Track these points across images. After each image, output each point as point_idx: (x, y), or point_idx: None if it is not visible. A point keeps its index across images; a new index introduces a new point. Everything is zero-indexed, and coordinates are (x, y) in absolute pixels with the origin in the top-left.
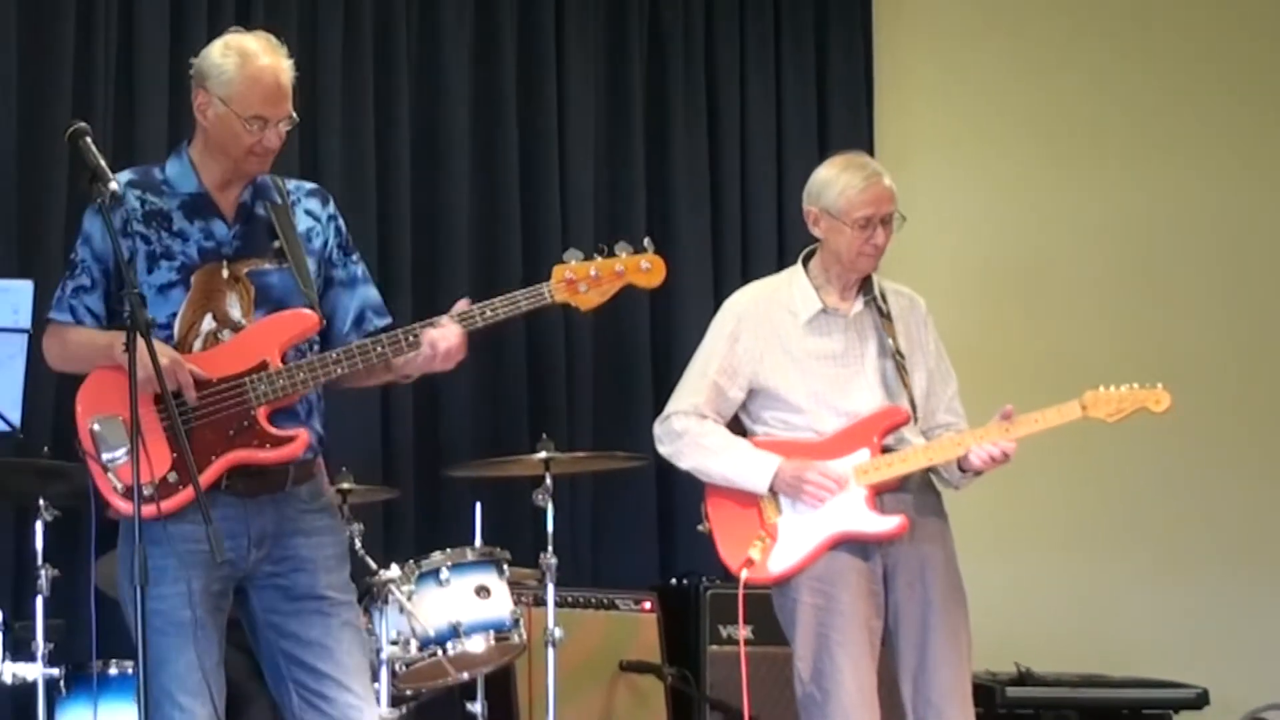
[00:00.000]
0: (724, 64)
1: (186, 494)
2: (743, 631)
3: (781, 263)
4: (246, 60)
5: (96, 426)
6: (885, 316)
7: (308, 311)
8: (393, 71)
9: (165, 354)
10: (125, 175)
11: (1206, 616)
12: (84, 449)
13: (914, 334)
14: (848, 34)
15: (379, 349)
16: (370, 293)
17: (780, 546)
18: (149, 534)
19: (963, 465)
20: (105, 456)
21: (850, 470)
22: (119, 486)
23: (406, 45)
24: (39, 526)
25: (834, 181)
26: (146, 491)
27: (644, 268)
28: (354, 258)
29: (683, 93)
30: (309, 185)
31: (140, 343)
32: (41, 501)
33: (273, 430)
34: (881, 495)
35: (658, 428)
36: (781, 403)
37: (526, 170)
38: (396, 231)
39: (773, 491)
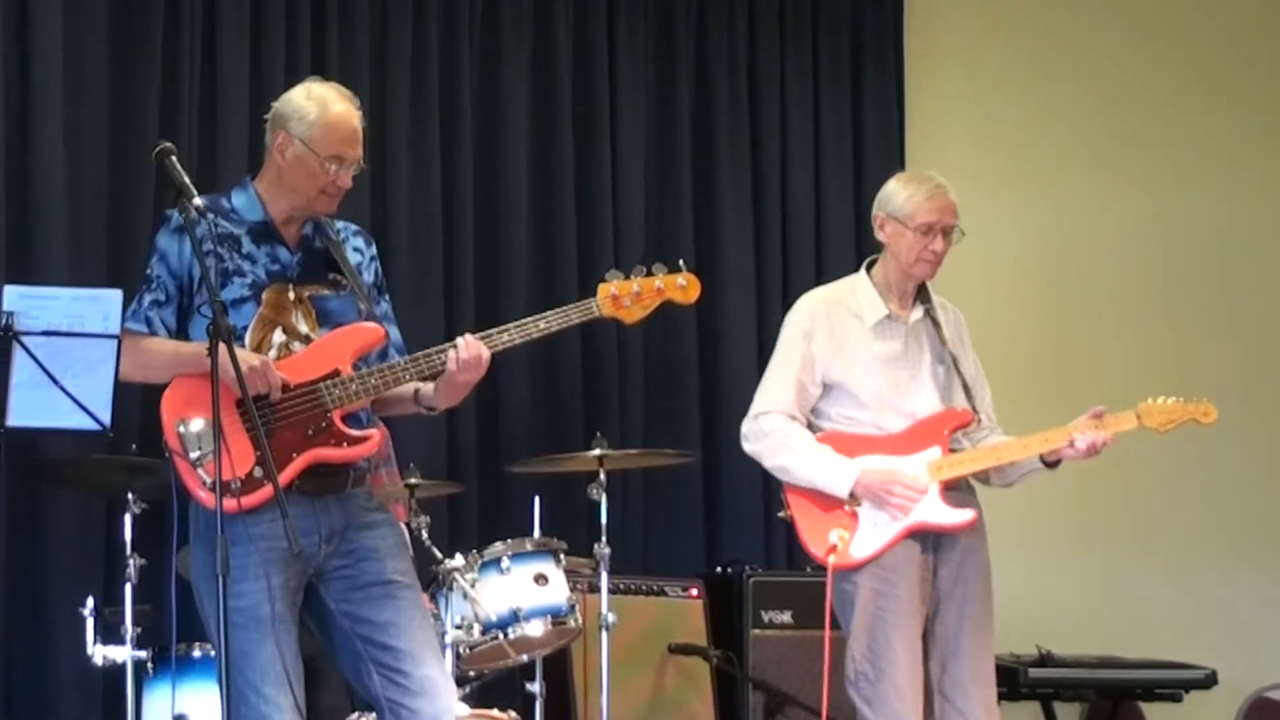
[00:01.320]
0: (766, 95)
1: (268, 490)
2: (829, 618)
3: (819, 278)
4: (327, 106)
5: (183, 428)
6: (936, 324)
7: (374, 325)
8: (456, 99)
9: (255, 357)
10: (198, 201)
11: (1215, 602)
12: (171, 448)
13: (957, 342)
14: (880, 66)
15: (440, 357)
16: (395, 331)
17: (861, 534)
18: (231, 535)
19: (1050, 459)
20: (193, 455)
21: (924, 466)
22: (207, 481)
23: (470, 74)
24: (127, 519)
25: (902, 189)
26: (234, 486)
27: (681, 285)
28: (386, 297)
29: (727, 121)
30: (354, 226)
31: (226, 349)
32: (130, 495)
33: (349, 430)
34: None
35: (746, 426)
36: (850, 399)
37: (581, 193)
38: (460, 250)
39: (851, 496)
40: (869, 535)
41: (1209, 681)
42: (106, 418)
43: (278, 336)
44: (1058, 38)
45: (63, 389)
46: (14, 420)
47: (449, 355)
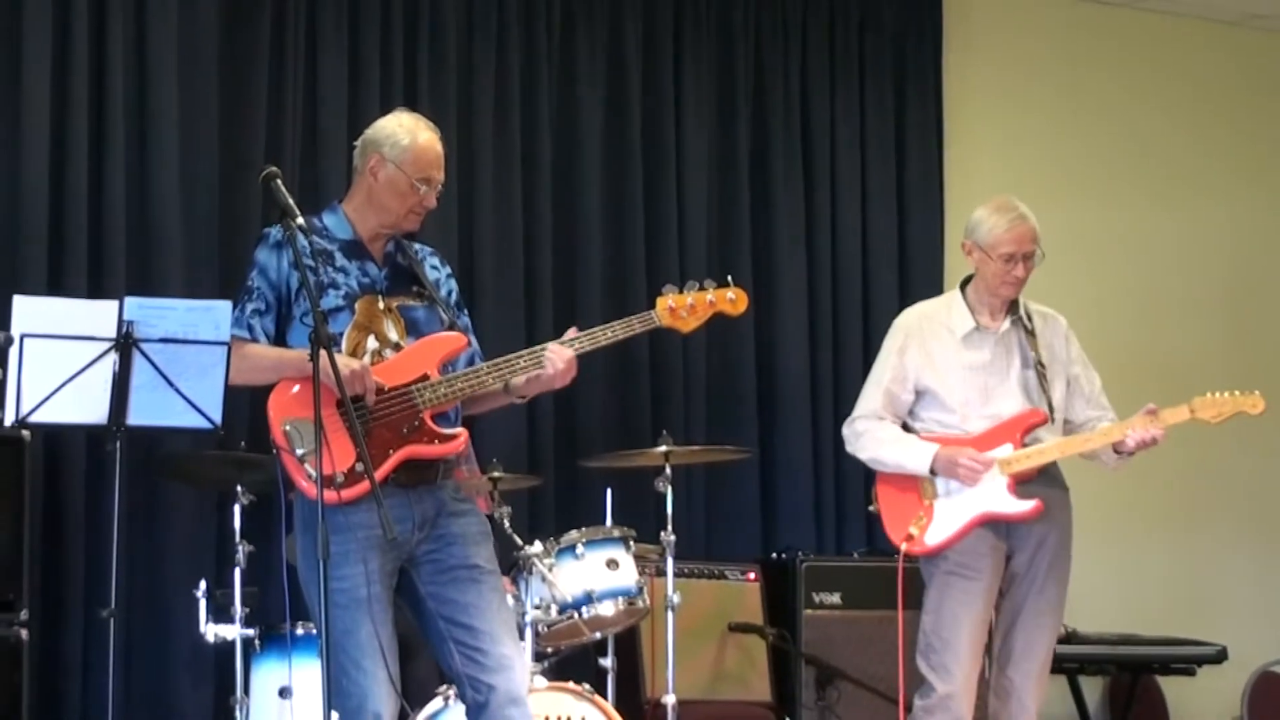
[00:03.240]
0: (817, 127)
1: (363, 486)
2: (901, 599)
3: (866, 293)
4: (417, 132)
5: (288, 427)
6: (1030, 333)
7: (457, 334)
8: (536, 128)
9: (354, 362)
10: (299, 220)
11: (1225, 584)
12: (277, 445)
13: (1054, 347)
14: (921, 101)
15: (520, 363)
16: (474, 340)
17: (935, 524)
18: (332, 524)
19: (1118, 449)
20: (299, 451)
21: (995, 462)
22: (312, 475)
23: (548, 106)
24: (237, 509)
25: (985, 220)
26: (337, 480)
27: (730, 298)
28: (465, 312)
29: (782, 146)
30: (429, 248)
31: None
32: (239, 488)
33: (439, 429)
34: (1020, 483)
35: (846, 429)
36: (939, 405)
37: (649, 212)
38: (540, 264)
39: (933, 473)
40: (942, 525)
41: (1219, 657)
42: (218, 417)
43: (371, 343)
44: (1080, 73)
45: (178, 391)
46: (134, 419)
47: (545, 366)
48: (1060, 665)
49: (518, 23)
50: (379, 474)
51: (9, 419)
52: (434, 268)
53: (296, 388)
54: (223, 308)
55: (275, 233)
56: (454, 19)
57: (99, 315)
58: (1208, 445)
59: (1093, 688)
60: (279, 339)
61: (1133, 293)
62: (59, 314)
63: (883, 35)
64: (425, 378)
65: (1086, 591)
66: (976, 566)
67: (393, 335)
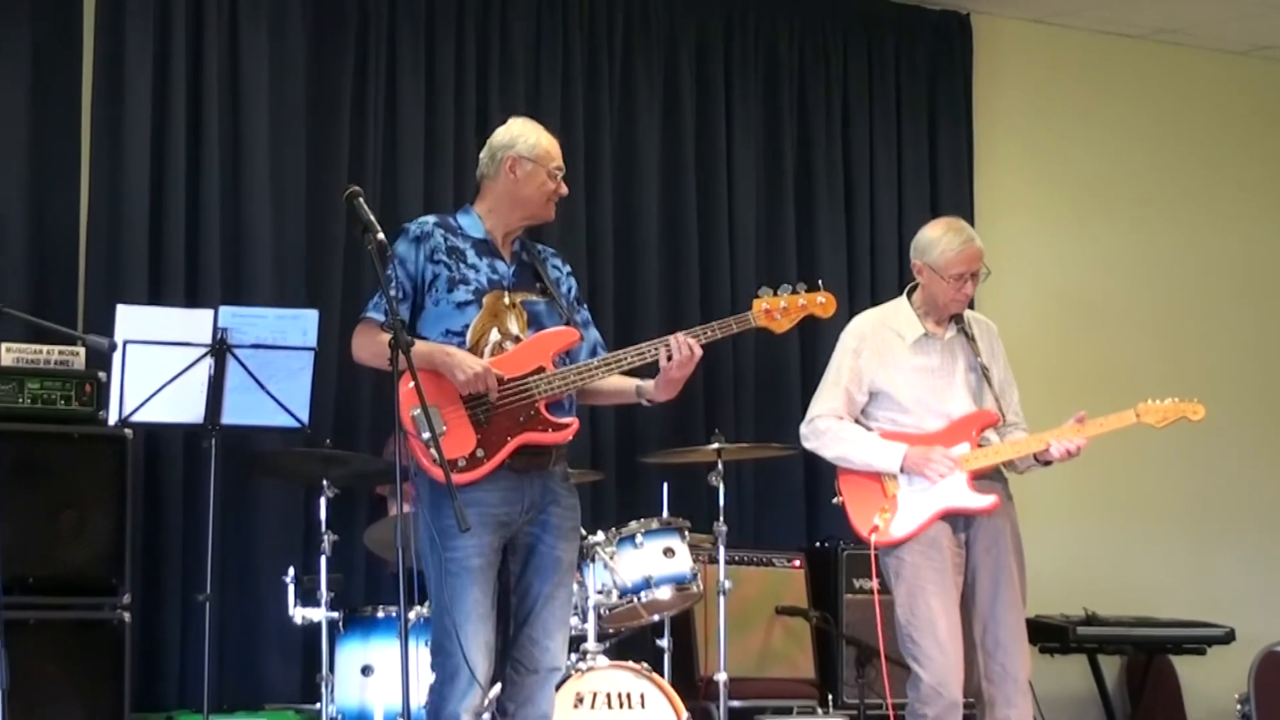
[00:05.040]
0: (857, 143)
1: (483, 469)
2: (875, 583)
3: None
4: (540, 130)
5: (416, 413)
6: (971, 339)
7: (571, 329)
8: (598, 150)
9: (478, 364)
10: (431, 219)
11: (1234, 569)
12: (406, 429)
13: (992, 351)
14: (953, 122)
15: (629, 358)
16: (596, 334)
17: (899, 516)
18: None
19: (1039, 457)
20: (425, 435)
21: (960, 460)
22: (437, 458)
23: (609, 129)
24: (322, 501)
25: (937, 242)
26: (461, 464)
27: (820, 301)
28: (584, 306)
29: (824, 167)
30: (551, 249)
31: (466, 354)
32: (325, 481)
33: (553, 418)
34: (976, 479)
35: (804, 428)
36: (894, 405)
37: (703, 229)
38: (601, 273)
39: (901, 470)
40: (906, 517)
41: (1228, 638)
42: (305, 417)
43: (493, 336)
44: (1102, 98)
45: (268, 393)
46: (228, 419)
47: (661, 351)
48: (1081, 645)
49: (581, 56)
50: (497, 459)
51: (113, 419)
52: (555, 267)
53: (423, 379)
54: (309, 316)
55: (414, 228)
56: (521, 51)
57: (195, 323)
58: (1220, 448)
59: (1111, 666)
60: (411, 327)
61: (1152, 310)
62: (158, 322)
63: (917, 65)
64: (541, 369)
65: (1106, 576)
66: (939, 556)
67: (514, 328)
